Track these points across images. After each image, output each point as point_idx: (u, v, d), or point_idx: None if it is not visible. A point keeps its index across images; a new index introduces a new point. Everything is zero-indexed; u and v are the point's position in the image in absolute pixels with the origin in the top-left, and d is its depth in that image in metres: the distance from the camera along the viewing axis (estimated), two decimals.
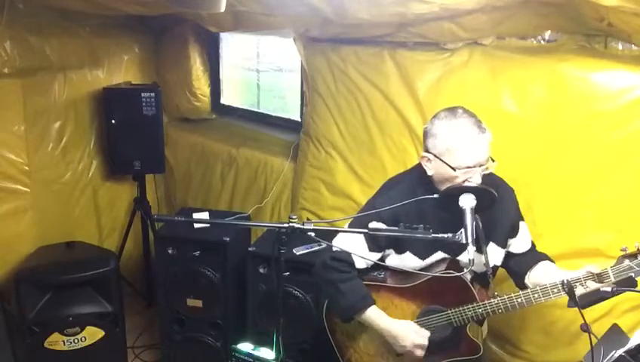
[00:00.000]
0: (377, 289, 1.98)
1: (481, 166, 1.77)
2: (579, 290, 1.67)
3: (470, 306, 1.85)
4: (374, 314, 1.92)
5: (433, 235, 1.64)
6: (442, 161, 1.79)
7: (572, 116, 2.18)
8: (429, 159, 1.84)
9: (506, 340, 2.51)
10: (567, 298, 1.67)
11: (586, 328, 1.57)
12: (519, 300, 1.79)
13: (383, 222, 1.84)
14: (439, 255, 1.91)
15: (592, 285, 1.68)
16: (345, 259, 1.93)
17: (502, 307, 1.82)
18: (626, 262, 1.62)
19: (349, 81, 2.82)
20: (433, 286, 1.91)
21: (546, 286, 1.75)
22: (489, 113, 2.34)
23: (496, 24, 2.27)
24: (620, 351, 1.56)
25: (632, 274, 1.61)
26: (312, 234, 1.77)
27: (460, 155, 1.76)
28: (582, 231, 2.23)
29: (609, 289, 1.64)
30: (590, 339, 1.57)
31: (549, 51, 2.28)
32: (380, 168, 2.76)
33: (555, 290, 1.73)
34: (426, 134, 1.86)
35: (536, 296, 1.77)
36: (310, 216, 3.09)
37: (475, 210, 1.72)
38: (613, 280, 1.64)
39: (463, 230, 1.65)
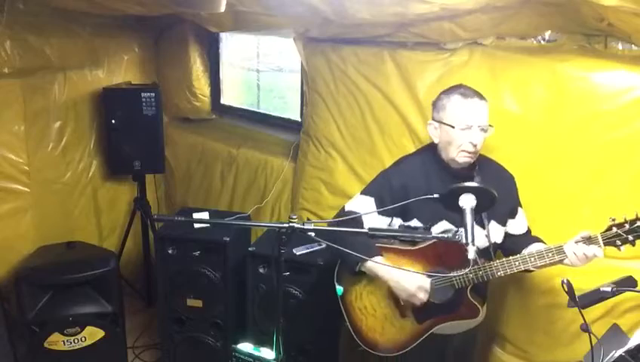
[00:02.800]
0: (385, 251, 2.05)
1: (480, 127, 1.90)
2: (570, 248, 1.79)
3: (472, 268, 1.92)
4: (379, 263, 1.99)
5: (433, 235, 1.72)
6: (443, 123, 1.95)
7: (572, 116, 2.18)
8: (435, 127, 2.00)
9: (506, 340, 2.51)
10: (564, 288, 1.69)
11: (586, 328, 1.58)
12: (517, 263, 1.90)
13: (392, 191, 2.01)
14: (444, 224, 1.99)
15: (583, 248, 1.78)
16: (356, 221, 2.03)
17: (500, 269, 1.91)
18: (614, 229, 1.75)
19: (349, 81, 2.82)
20: (438, 250, 1.99)
21: (541, 251, 1.86)
22: (489, 113, 2.34)
23: (496, 24, 2.27)
24: (620, 351, 1.56)
25: (619, 242, 1.73)
26: (312, 234, 1.78)
27: (458, 114, 1.92)
28: (582, 230, 2.22)
29: (609, 289, 1.65)
30: (590, 339, 1.57)
31: (549, 51, 2.28)
32: (380, 168, 2.73)
33: (550, 254, 1.84)
34: (432, 106, 2.04)
35: (532, 259, 1.87)
36: (310, 216, 3.09)
37: (475, 210, 1.73)
38: (601, 245, 1.77)
39: (462, 230, 1.66)
